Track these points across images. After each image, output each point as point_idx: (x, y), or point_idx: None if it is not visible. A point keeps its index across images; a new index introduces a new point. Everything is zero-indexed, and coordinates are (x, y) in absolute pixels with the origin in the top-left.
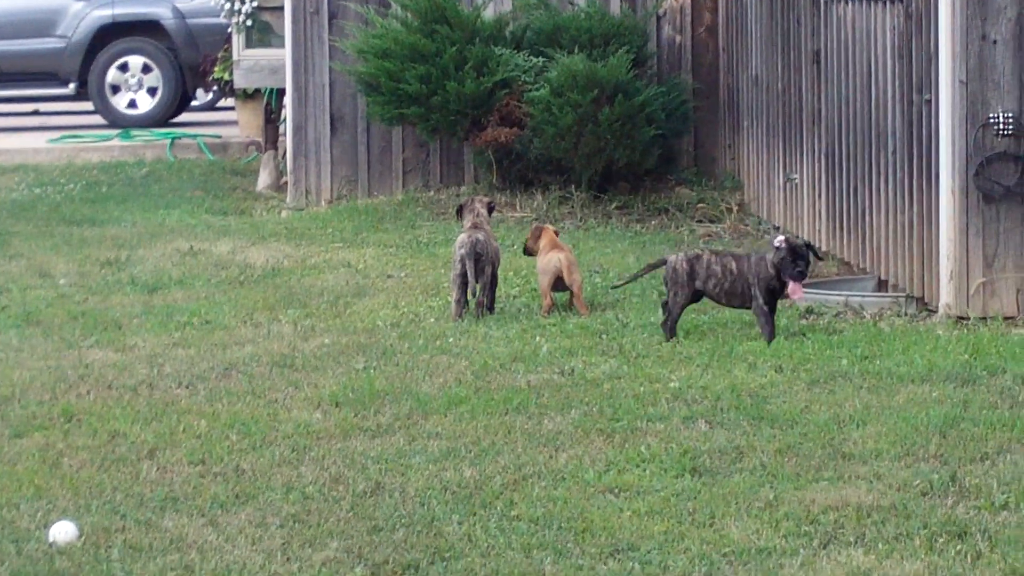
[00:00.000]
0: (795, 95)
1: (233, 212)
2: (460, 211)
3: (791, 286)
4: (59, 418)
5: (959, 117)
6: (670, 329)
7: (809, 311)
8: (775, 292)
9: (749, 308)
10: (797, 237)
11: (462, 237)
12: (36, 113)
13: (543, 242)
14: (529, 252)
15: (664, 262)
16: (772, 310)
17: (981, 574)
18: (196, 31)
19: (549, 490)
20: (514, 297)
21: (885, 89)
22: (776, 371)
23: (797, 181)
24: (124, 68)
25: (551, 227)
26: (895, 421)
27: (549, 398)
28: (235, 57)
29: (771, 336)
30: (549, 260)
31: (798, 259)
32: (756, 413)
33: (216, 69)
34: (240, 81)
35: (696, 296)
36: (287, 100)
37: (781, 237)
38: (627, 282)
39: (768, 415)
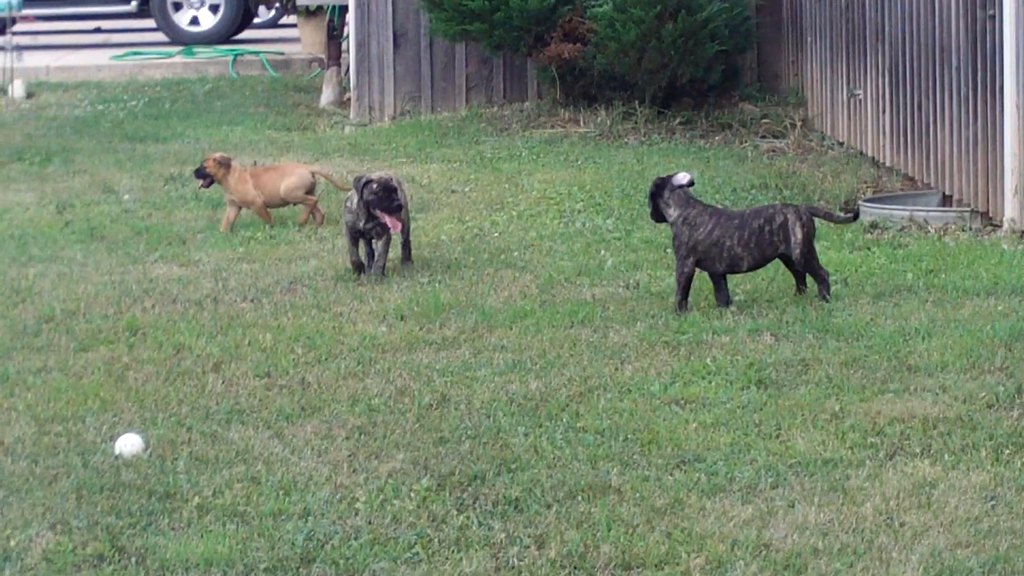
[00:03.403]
0: (858, 11)
1: (296, 128)
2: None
3: None
4: (124, 332)
5: (1023, 32)
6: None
7: (874, 226)
8: None
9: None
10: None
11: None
12: (98, 31)
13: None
14: (211, 177)
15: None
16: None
17: None
18: None
19: (615, 402)
20: (578, 212)
21: (948, 4)
22: (842, 284)
23: (861, 96)
24: None
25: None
26: (960, 334)
27: (614, 311)
28: None
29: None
30: (302, 175)
31: None
32: (822, 326)
33: None
34: None
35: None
36: (350, 16)
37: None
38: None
39: (834, 328)
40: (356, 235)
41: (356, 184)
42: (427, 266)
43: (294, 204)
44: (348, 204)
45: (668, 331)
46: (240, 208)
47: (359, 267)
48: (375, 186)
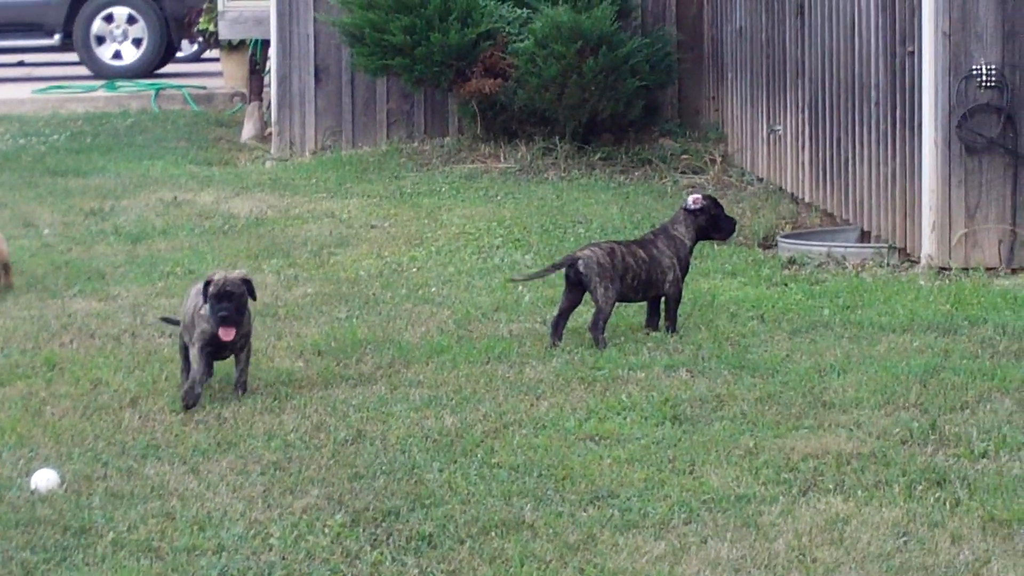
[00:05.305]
0: (779, 47)
1: (217, 162)
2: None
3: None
4: (42, 367)
5: (942, 69)
6: (601, 329)
7: (792, 261)
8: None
9: (660, 295)
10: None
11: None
12: (21, 64)
13: None
14: None
15: (573, 260)
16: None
17: (960, 521)
18: None
19: (530, 438)
20: (497, 247)
21: (869, 41)
22: (758, 320)
23: (780, 132)
24: (109, 19)
25: None
26: (876, 370)
27: (531, 347)
28: (220, 8)
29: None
30: None
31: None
32: (737, 362)
33: (201, 20)
34: (225, 32)
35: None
36: (272, 51)
37: (696, 195)
38: (528, 279)
39: (749, 364)
40: (215, 350)
41: (204, 287)
42: (345, 301)
43: None
44: (202, 312)
45: (584, 367)
46: None
47: (197, 400)
48: (212, 288)
